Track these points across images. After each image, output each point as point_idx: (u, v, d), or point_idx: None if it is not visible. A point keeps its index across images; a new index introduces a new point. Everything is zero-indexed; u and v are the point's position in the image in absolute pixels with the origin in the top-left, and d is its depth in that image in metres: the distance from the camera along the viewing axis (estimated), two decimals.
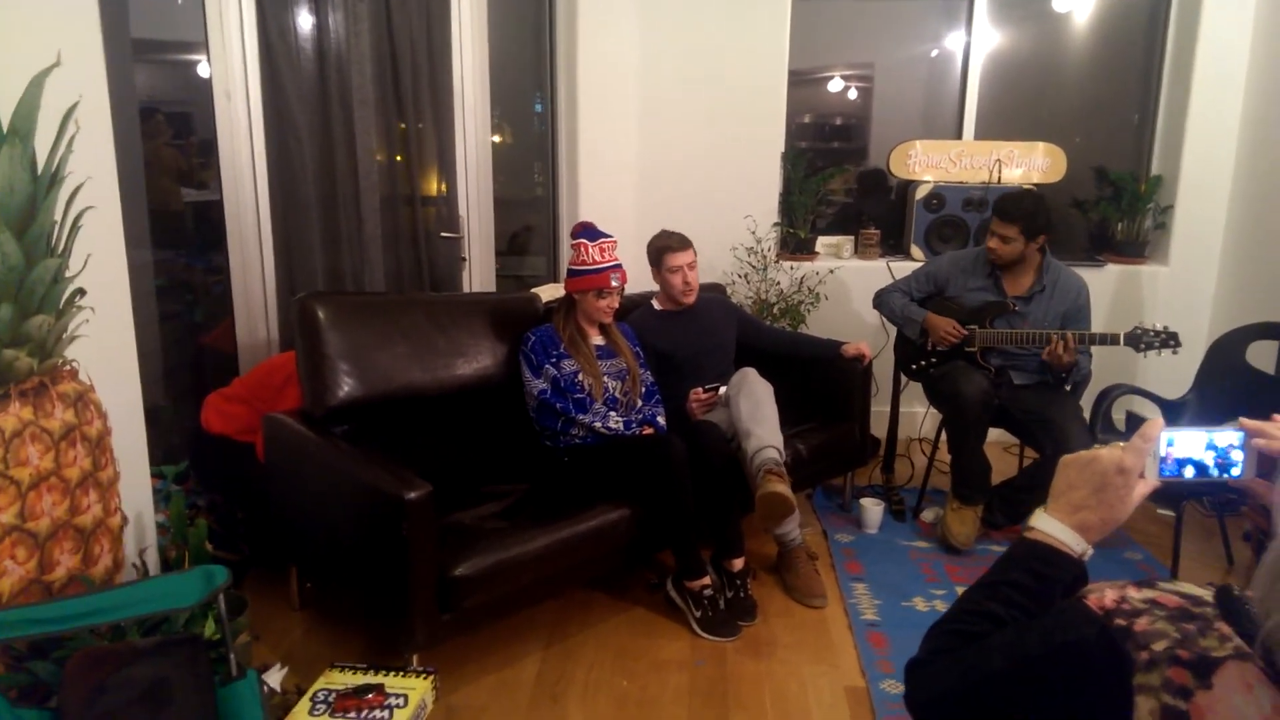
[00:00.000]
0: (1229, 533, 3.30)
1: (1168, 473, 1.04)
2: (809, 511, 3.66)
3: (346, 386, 2.75)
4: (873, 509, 3.47)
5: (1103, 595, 0.89)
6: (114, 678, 1.69)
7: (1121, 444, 1.03)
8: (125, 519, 2.39)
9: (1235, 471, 1.04)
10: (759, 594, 2.96)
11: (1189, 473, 1.04)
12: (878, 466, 3.93)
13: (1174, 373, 3.65)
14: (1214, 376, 3.19)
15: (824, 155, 4.77)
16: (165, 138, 3.63)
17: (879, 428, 3.86)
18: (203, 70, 3.31)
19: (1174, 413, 3.19)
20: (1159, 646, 0.79)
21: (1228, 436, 1.04)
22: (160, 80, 3.70)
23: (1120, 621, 0.83)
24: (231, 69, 3.29)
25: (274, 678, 2.21)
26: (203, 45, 3.26)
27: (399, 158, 3.80)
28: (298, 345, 2.79)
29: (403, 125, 3.78)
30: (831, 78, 4.79)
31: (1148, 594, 0.87)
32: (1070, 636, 0.86)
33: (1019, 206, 3.23)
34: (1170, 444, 1.04)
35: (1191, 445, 1.04)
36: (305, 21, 3.48)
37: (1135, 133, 4.60)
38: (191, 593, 1.84)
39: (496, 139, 4.52)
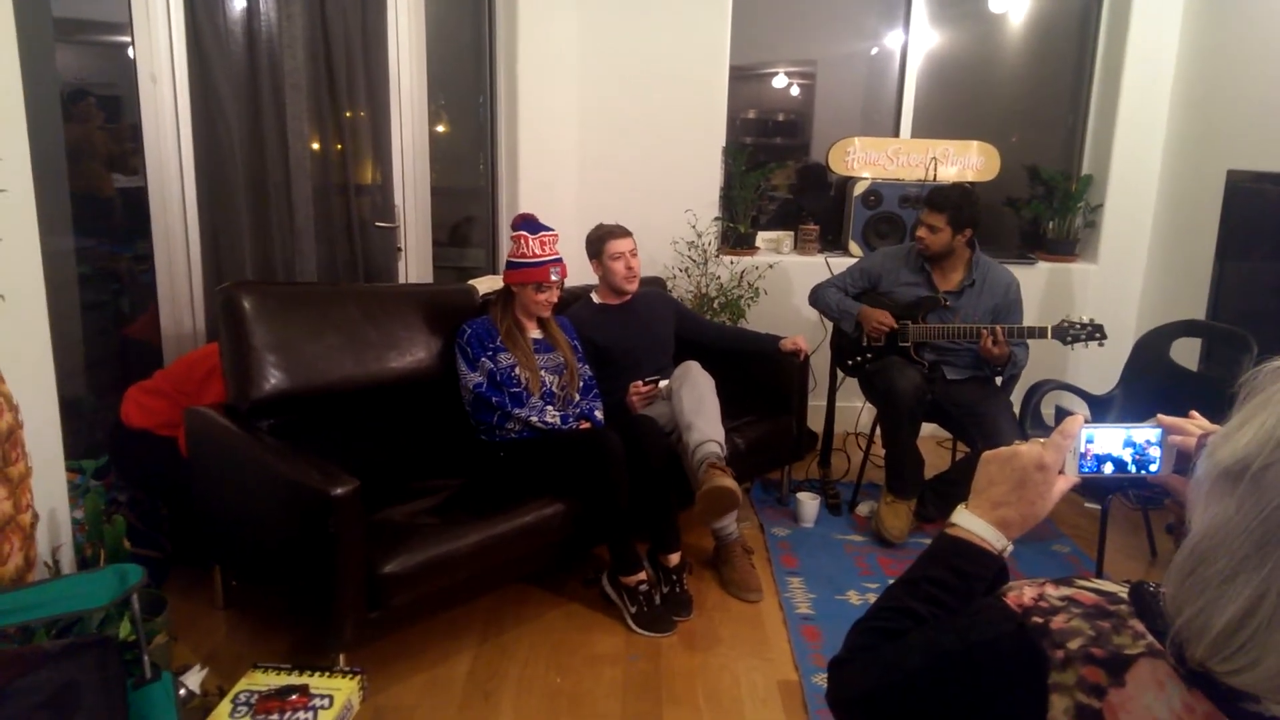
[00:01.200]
0: (1153, 525, 3.40)
1: (1087, 469, 1.05)
2: (746, 505, 3.67)
3: (273, 379, 2.67)
4: (809, 503, 3.49)
5: (1021, 593, 0.89)
6: (17, 683, 1.61)
7: (1042, 440, 1.03)
8: (37, 516, 2.28)
9: (1153, 468, 1.05)
10: (695, 588, 2.95)
11: (1108, 469, 1.05)
12: (814, 460, 3.96)
13: (1101, 369, 3.74)
14: (1139, 372, 3.27)
15: (766, 150, 4.78)
16: (97, 122, 3.49)
17: (816, 422, 3.89)
18: (133, 52, 3.19)
19: (1101, 408, 3.26)
20: (1074, 645, 0.79)
21: (1145, 433, 1.05)
22: (90, 62, 3.56)
23: (1037, 619, 0.83)
24: (157, 50, 3.17)
25: (193, 679, 2.14)
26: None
27: (333, 145, 3.70)
28: (222, 336, 2.70)
29: (337, 112, 3.69)
30: (775, 74, 4.80)
31: (1065, 591, 0.88)
32: (987, 634, 0.85)
33: (946, 197, 3.28)
34: (1090, 440, 1.04)
35: (1110, 442, 1.05)
36: (235, 3, 3.37)
37: (1067, 133, 4.70)
38: (104, 592, 1.77)
39: (439, 128, 4.44)
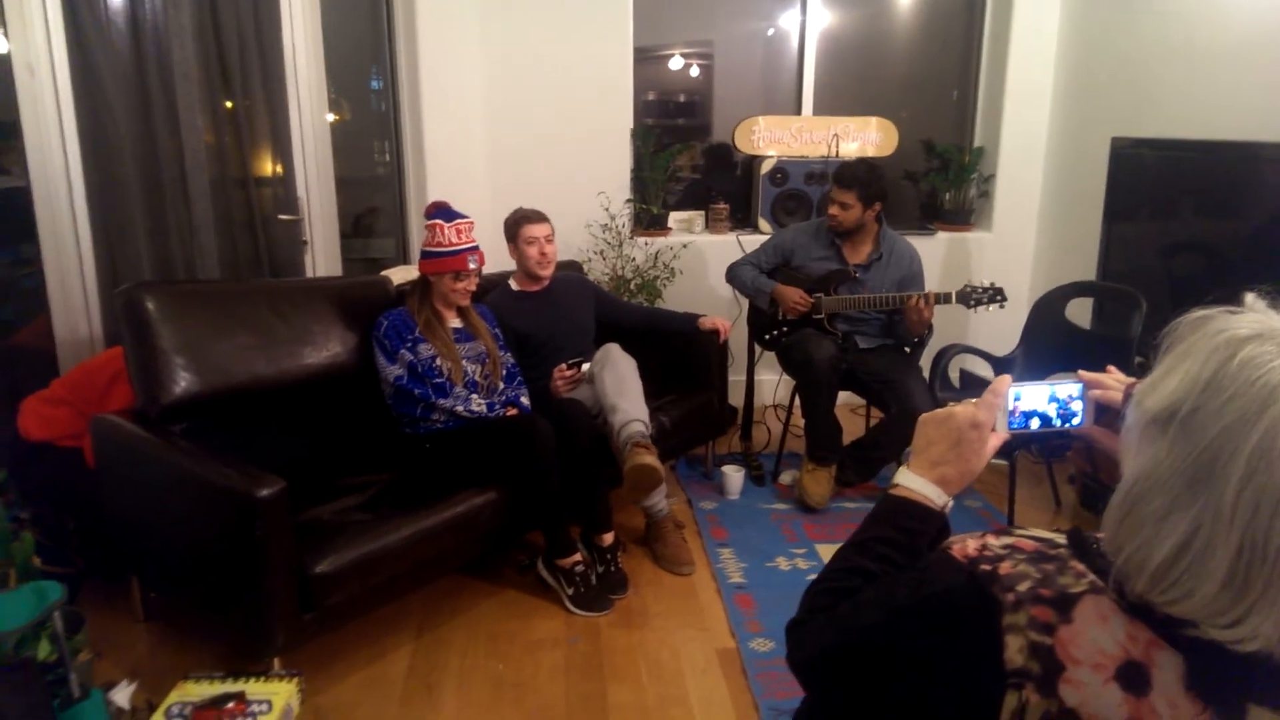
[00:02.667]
0: (1055, 477, 3.59)
1: (1016, 425, 1.11)
2: (673, 482, 3.72)
3: (183, 382, 2.58)
4: (734, 475, 3.56)
5: (965, 545, 0.94)
6: None
7: (974, 400, 1.09)
8: None
9: (1076, 420, 1.12)
10: (629, 566, 2.99)
11: (1035, 424, 1.12)
12: (736, 434, 4.03)
13: (1001, 331, 3.91)
14: (1038, 333, 3.43)
15: (670, 132, 4.82)
16: None
17: (736, 397, 3.96)
18: (5, 43, 3.00)
19: (1003, 367, 3.41)
20: (1023, 587, 0.84)
21: (1068, 389, 1.11)
22: None
23: (985, 567, 0.88)
24: (33, 41, 3.00)
25: (122, 695, 2.06)
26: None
27: (228, 137, 3.57)
28: (125, 340, 2.59)
29: (230, 102, 3.55)
30: (673, 55, 4.83)
31: (1006, 540, 0.93)
32: (939, 586, 0.90)
33: (854, 174, 3.37)
34: (1017, 398, 1.10)
35: (1036, 398, 1.11)
36: None
37: (958, 107, 4.87)
38: (22, 612, 1.69)
39: (333, 117, 4.31)
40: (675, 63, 4.85)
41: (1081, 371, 1.12)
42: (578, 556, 2.80)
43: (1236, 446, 0.72)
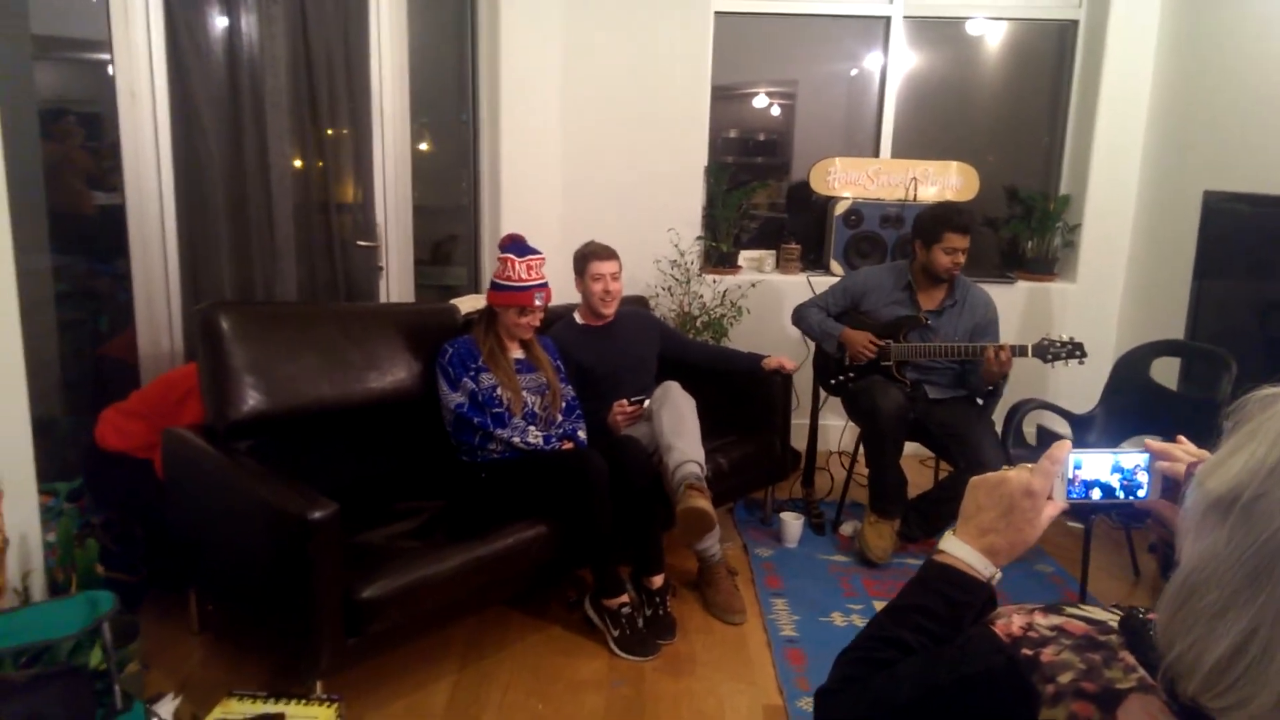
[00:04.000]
0: (1135, 545, 3.40)
1: (1075, 495, 1.04)
2: (730, 525, 3.65)
3: (251, 400, 2.64)
4: (792, 523, 3.48)
5: (1010, 621, 0.88)
6: None
7: (1030, 466, 1.03)
8: (7, 541, 2.24)
9: (1141, 493, 1.05)
10: (679, 610, 2.93)
11: (1096, 495, 1.05)
12: (798, 480, 3.95)
13: (1081, 388, 3.76)
14: (1119, 392, 3.28)
15: (748, 170, 4.80)
16: (78, 140, 3.45)
17: (799, 441, 3.88)
18: (112, 69, 3.16)
19: (1082, 427, 3.27)
20: (1065, 679, 0.78)
21: (1133, 459, 1.04)
22: (72, 79, 3.52)
23: (1027, 651, 0.82)
24: (136, 67, 3.15)
25: (166, 708, 2.10)
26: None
27: (313, 164, 3.68)
28: (200, 357, 2.67)
29: (319, 130, 3.67)
30: (756, 93, 4.83)
31: (1054, 620, 0.87)
32: (978, 667, 0.84)
33: (973, 219, 3.27)
34: (1078, 466, 1.04)
35: (1098, 467, 1.04)
36: (217, 21, 3.36)
37: (1045, 153, 4.75)
38: (74, 621, 1.73)
39: (423, 146, 4.42)
40: (759, 101, 4.85)
41: (1149, 441, 1.05)
42: (625, 598, 2.75)
43: None
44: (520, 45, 4.12)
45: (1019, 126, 4.80)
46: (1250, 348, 3.22)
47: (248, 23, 3.42)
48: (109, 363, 3.60)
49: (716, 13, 4.42)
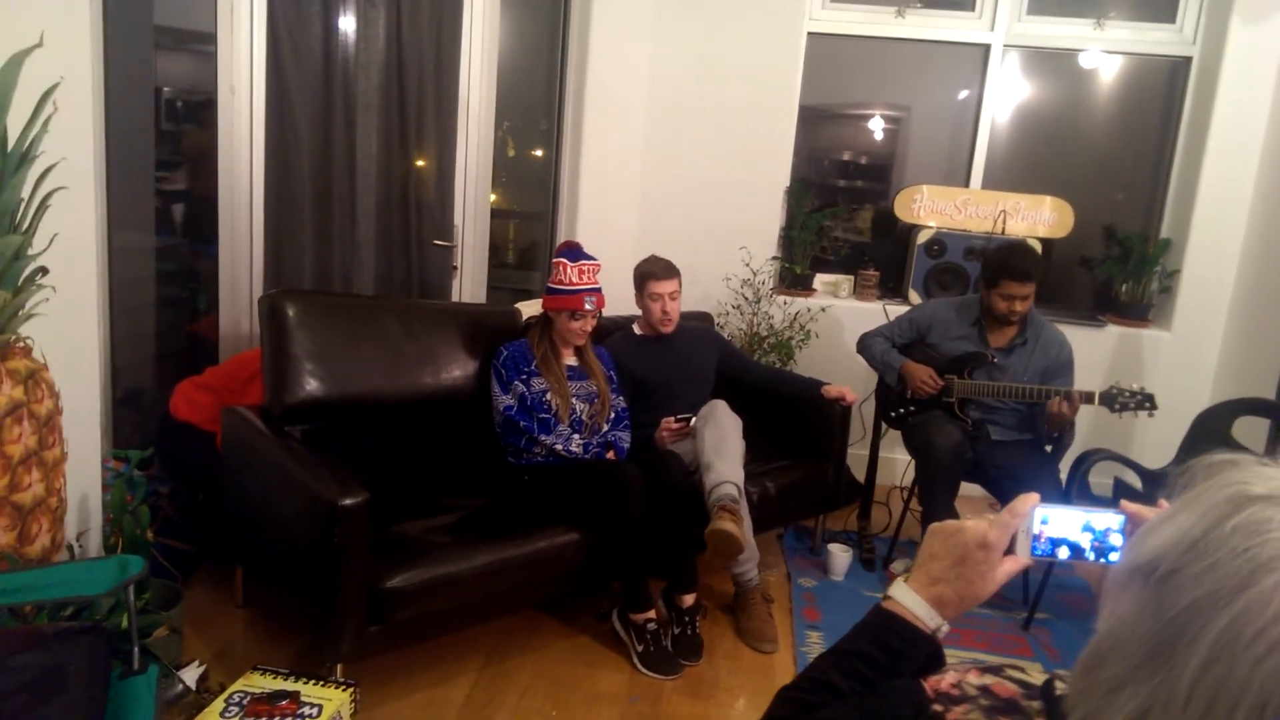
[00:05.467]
0: None
1: (1041, 552, 0.99)
2: (776, 552, 3.59)
3: (308, 386, 2.74)
4: (840, 555, 3.40)
5: (943, 677, 0.84)
6: (8, 661, 1.67)
7: (990, 516, 0.98)
8: (64, 501, 2.38)
9: (1114, 556, 0.99)
10: (710, 633, 2.90)
11: (1063, 553, 0.99)
12: (855, 512, 3.85)
13: (1164, 442, 3.56)
14: (1197, 449, 3.06)
15: (849, 193, 4.74)
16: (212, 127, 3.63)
17: (862, 471, 3.79)
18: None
19: (1154, 483, 3.10)
20: None
21: (1107, 519, 0.98)
22: (204, 70, 3.68)
23: (937, 708, 0.78)
24: (238, 63, 3.32)
25: (190, 675, 2.19)
26: None
27: (397, 163, 3.80)
28: (264, 341, 2.78)
29: (405, 132, 3.78)
30: (867, 115, 4.76)
31: (987, 680, 0.82)
32: (887, 718, 0.81)
33: (1036, 265, 3.14)
34: (1044, 522, 0.99)
35: (1067, 525, 0.99)
36: (315, 21, 3.51)
37: (1148, 194, 4.52)
38: (102, 581, 1.82)
39: (510, 152, 4.52)
40: (866, 124, 4.78)
41: (1125, 503, 0.98)
42: (652, 614, 2.74)
43: (1205, 625, 0.60)
44: (609, 56, 4.16)
45: (1122, 165, 4.58)
46: None
47: (345, 23, 3.56)
48: (199, 339, 3.79)
49: (810, 33, 4.38)
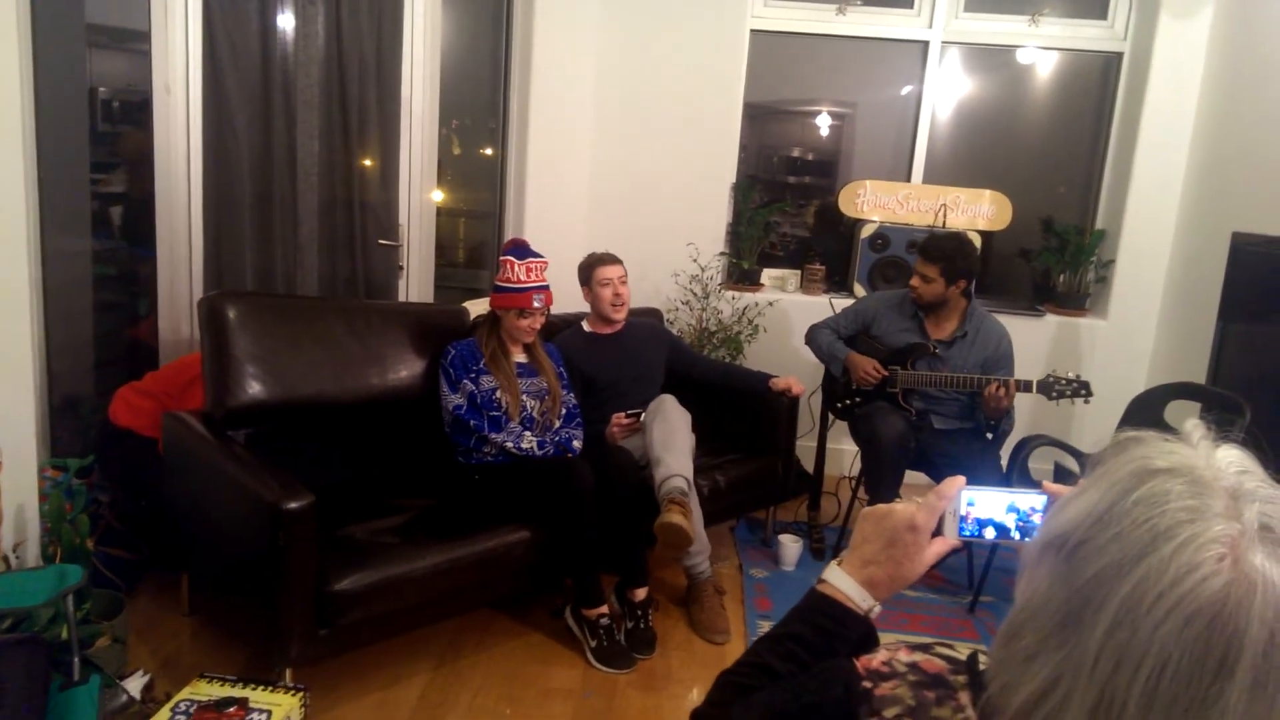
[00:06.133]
0: None
1: (968, 533, 1.02)
2: (729, 544, 3.62)
3: (251, 389, 2.70)
4: (790, 546, 3.44)
5: (875, 655, 0.87)
6: None
7: (919, 500, 1.01)
8: (0, 512, 2.32)
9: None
10: (663, 626, 2.91)
11: (990, 534, 1.03)
12: (805, 503, 3.90)
13: (1100, 427, 3.66)
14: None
15: (797, 189, 4.79)
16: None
17: (812, 463, 3.84)
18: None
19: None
20: (890, 713, 0.77)
21: (1030, 500, 1.02)
22: (141, 69, 3.61)
23: (867, 684, 0.80)
24: (173, 61, 3.26)
25: (134, 684, 2.15)
26: None
27: (340, 162, 3.76)
28: (203, 344, 2.74)
29: (347, 131, 3.74)
30: (811, 113, 4.80)
31: (915, 657, 0.85)
32: (819, 696, 0.83)
33: (940, 248, 3.24)
34: (971, 504, 1.02)
35: (993, 506, 1.02)
36: (253, 18, 3.45)
37: (1083, 187, 4.64)
38: (40, 591, 1.79)
39: (456, 151, 4.49)
40: (811, 121, 4.82)
41: (1047, 484, 1.02)
42: (604, 609, 2.75)
43: (1109, 593, 0.63)
44: (553, 55, 4.16)
45: (1058, 158, 4.70)
46: (1274, 395, 3.10)
47: (284, 22, 3.51)
48: (139, 344, 3.71)
49: (753, 31, 4.42)
